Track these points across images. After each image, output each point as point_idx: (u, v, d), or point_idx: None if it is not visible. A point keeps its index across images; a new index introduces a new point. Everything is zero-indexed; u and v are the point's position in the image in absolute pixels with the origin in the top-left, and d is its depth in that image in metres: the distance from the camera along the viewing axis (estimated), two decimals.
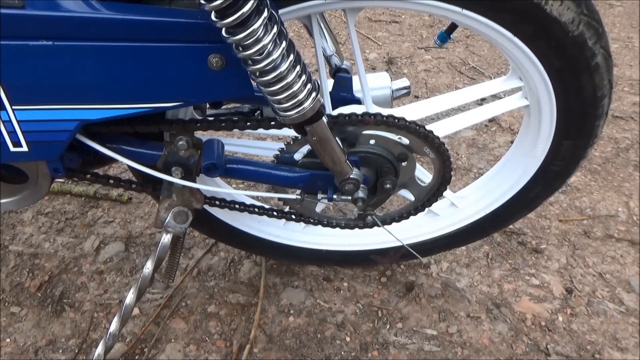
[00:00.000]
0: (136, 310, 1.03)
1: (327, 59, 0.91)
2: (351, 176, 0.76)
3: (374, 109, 0.83)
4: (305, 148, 0.81)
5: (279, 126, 0.73)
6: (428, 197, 0.89)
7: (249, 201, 0.98)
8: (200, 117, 0.81)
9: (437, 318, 1.06)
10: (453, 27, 0.85)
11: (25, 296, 1.04)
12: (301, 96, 0.61)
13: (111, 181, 0.85)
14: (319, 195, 0.83)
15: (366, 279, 1.14)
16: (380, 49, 2.19)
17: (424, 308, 1.08)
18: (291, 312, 1.05)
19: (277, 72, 0.58)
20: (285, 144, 0.80)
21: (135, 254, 1.15)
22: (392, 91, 0.96)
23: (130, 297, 0.84)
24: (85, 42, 0.60)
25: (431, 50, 2.24)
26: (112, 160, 0.80)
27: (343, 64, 0.92)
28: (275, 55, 0.56)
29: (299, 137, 0.79)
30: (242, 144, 0.95)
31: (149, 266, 0.83)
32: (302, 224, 1.07)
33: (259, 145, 0.95)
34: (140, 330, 0.99)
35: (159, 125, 0.74)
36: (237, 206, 0.90)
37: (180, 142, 0.76)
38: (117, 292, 1.07)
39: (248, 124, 0.74)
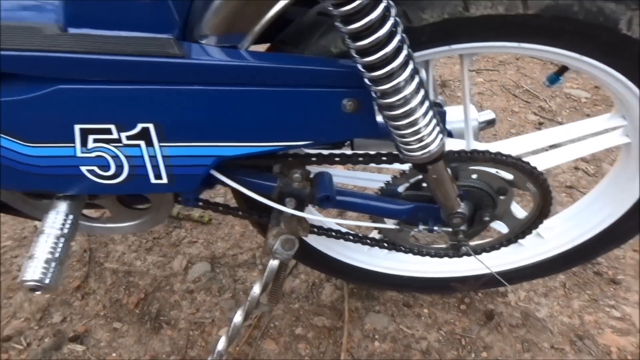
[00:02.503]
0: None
1: None
2: (459, 210, 0.79)
3: (474, 144, 0.86)
4: (409, 181, 0.85)
5: (390, 161, 0.77)
6: (523, 230, 0.91)
7: (344, 229, 1.02)
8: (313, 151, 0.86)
9: (520, 348, 1.07)
10: (564, 69, 0.87)
11: (125, 312, 1.11)
12: (429, 139, 0.65)
13: (220, 208, 0.90)
14: (420, 226, 0.86)
15: (445, 305, 1.16)
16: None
17: (506, 338, 1.09)
18: (376, 337, 1.08)
19: (412, 118, 0.62)
20: (392, 177, 0.84)
21: (222, 275, 1.21)
22: (479, 123, 0.99)
23: (238, 317, 0.88)
24: (232, 87, 0.65)
25: (483, 73, 2.26)
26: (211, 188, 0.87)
27: (437, 98, 0.96)
28: (414, 104, 0.60)
29: (407, 171, 0.83)
30: (338, 174, 0.99)
31: (256, 289, 0.88)
32: (385, 250, 1.10)
33: (354, 175, 0.99)
34: (235, 350, 1.03)
35: (278, 159, 0.79)
36: (333, 234, 0.94)
37: (296, 175, 0.80)
38: (208, 312, 1.12)
39: (360, 158, 0.79)
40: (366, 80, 0.60)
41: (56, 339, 1.04)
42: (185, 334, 1.07)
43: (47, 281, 0.70)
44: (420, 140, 0.64)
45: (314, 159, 0.79)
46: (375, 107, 0.66)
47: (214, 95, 0.65)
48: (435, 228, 0.85)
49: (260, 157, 0.76)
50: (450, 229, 0.84)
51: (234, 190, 0.94)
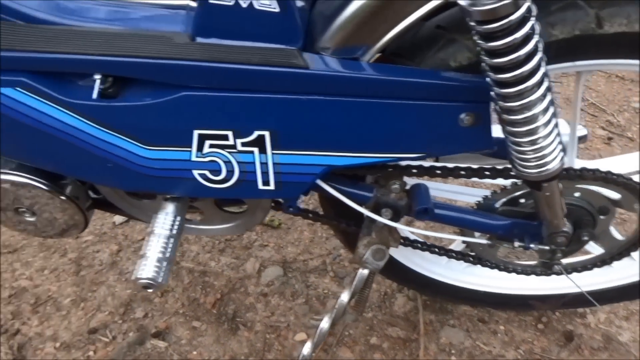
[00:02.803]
0: (303, 336, 1.08)
1: None
2: (564, 229, 0.77)
3: (577, 162, 0.84)
4: (508, 197, 0.83)
5: (494, 176, 0.76)
6: (621, 251, 0.88)
7: (430, 241, 1.01)
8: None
9: None
10: None
11: (203, 312, 1.13)
12: (550, 157, 0.63)
13: (310, 215, 0.91)
14: (516, 243, 0.84)
15: (522, 323, 1.13)
16: None
17: None
18: (452, 351, 1.06)
19: (536, 136, 0.61)
20: (491, 193, 0.83)
21: (294, 279, 1.22)
22: None
23: (325, 323, 0.89)
24: (350, 98, 0.66)
25: None
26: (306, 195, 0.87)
27: None
28: (541, 122, 0.59)
29: (507, 187, 0.82)
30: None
31: (344, 297, 0.88)
32: (464, 264, 1.08)
33: (444, 188, 0.98)
34: (311, 356, 1.04)
35: (377, 170, 0.80)
36: (419, 245, 0.94)
37: (394, 186, 0.80)
38: (283, 316, 1.13)
39: (462, 172, 0.78)
40: (493, 95, 0.60)
41: (139, 334, 1.08)
42: (262, 336, 1.08)
43: (159, 280, 0.72)
44: (541, 158, 0.63)
45: (414, 170, 0.79)
46: (493, 122, 0.66)
47: (334, 105, 0.66)
48: (532, 245, 0.83)
49: (363, 167, 0.77)
50: (548, 247, 0.82)
51: (323, 198, 0.95)
